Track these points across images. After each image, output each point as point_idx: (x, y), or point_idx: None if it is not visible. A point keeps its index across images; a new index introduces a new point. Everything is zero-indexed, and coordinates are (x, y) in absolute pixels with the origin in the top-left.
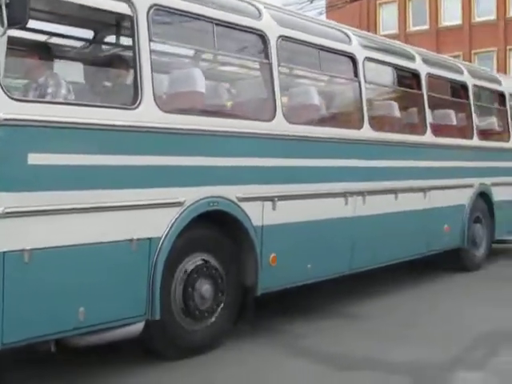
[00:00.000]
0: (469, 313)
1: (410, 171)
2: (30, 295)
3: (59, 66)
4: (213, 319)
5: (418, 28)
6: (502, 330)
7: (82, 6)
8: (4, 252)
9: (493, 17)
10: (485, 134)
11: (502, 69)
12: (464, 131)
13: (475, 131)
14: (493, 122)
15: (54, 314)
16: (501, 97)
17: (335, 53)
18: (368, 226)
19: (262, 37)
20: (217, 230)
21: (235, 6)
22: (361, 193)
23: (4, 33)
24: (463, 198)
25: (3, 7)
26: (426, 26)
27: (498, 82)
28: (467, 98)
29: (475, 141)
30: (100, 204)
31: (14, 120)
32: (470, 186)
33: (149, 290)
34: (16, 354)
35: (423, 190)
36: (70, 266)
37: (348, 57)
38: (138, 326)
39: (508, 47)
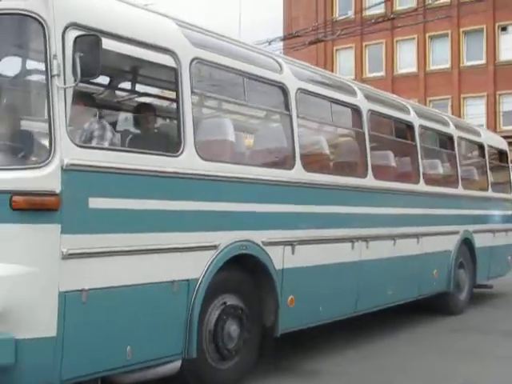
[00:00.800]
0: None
1: (406, 218)
2: (87, 334)
3: (109, 114)
4: (237, 359)
5: (374, 74)
6: None
7: (132, 59)
8: (65, 292)
9: (447, 65)
10: (467, 182)
11: (457, 116)
12: (451, 180)
13: (460, 180)
14: (473, 171)
15: (106, 351)
16: (480, 148)
17: (344, 105)
18: (371, 270)
19: (283, 89)
20: (242, 273)
21: (261, 61)
22: (365, 238)
23: (76, 84)
24: (450, 244)
25: (77, 61)
26: (382, 73)
27: (478, 134)
28: (453, 148)
29: (460, 189)
30: (149, 246)
31: (78, 165)
32: (456, 232)
33: (186, 329)
34: None
35: (416, 235)
36: (120, 306)
37: (354, 108)
38: (176, 365)
39: (462, 95)
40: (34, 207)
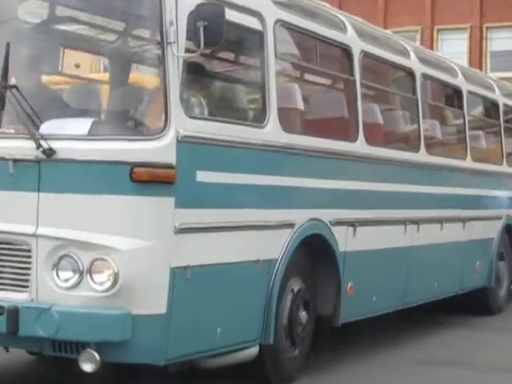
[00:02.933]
0: None
1: (453, 199)
2: (188, 313)
3: (211, 84)
4: (301, 347)
5: None
6: None
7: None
8: (175, 268)
9: None
10: (510, 158)
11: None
12: (495, 156)
13: (504, 156)
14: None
15: (201, 332)
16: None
17: (397, 67)
18: (420, 257)
19: (348, 51)
20: (307, 255)
21: (331, 20)
22: (416, 221)
23: (199, 53)
24: (493, 230)
25: (201, 30)
26: None
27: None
28: (498, 117)
29: (504, 167)
30: (244, 223)
31: (190, 137)
32: (499, 217)
33: (265, 313)
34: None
35: (463, 220)
36: (215, 285)
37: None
38: (254, 350)
39: (436, 26)
40: (153, 179)
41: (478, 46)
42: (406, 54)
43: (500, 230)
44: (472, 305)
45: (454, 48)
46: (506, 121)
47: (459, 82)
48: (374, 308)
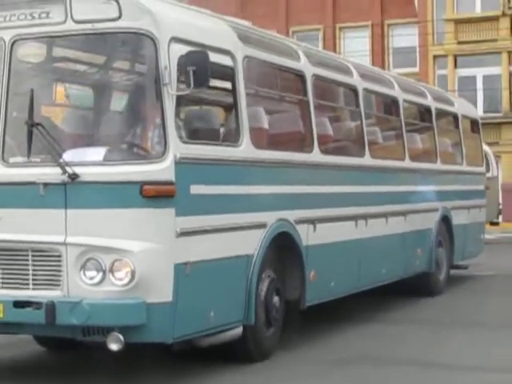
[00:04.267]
0: None
1: (395, 195)
2: (188, 300)
3: (199, 111)
4: (274, 328)
5: None
6: None
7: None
8: (178, 264)
9: None
10: (444, 157)
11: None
12: (430, 155)
13: (438, 155)
14: (449, 144)
15: (199, 315)
16: (454, 118)
17: (342, 85)
18: (369, 247)
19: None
20: (276, 250)
21: (287, 51)
22: (364, 217)
23: (190, 92)
24: (431, 221)
25: (191, 73)
26: None
27: (452, 104)
28: (431, 121)
29: (439, 164)
30: (228, 225)
31: (184, 159)
32: (436, 209)
33: (246, 299)
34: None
35: (404, 213)
36: (208, 277)
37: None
38: (239, 331)
39: (338, 25)
40: (158, 194)
41: (380, 43)
42: (349, 72)
43: (437, 221)
44: (415, 288)
45: (356, 46)
46: (437, 123)
47: (396, 92)
48: (334, 292)
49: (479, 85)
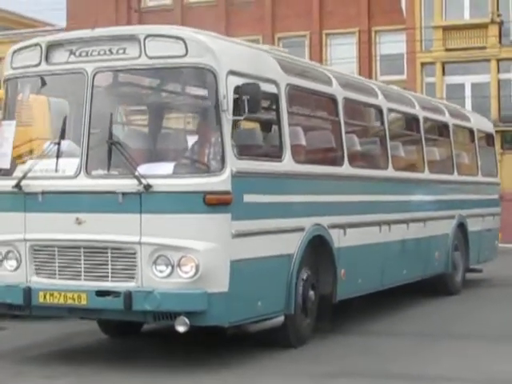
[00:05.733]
0: None
1: (416, 204)
2: (241, 291)
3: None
4: (310, 319)
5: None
6: None
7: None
8: (233, 260)
9: None
10: (460, 168)
11: (318, 61)
12: (448, 167)
13: (455, 166)
14: (465, 156)
15: (250, 304)
16: (471, 133)
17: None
18: (392, 250)
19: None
20: (312, 250)
21: (322, 78)
22: (388, 223)
23: (244, 118)
24: (448, 227)
25: (245, 102)
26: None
27: (468, 120)
28: (448, 136)
29: (455, 175)
30: (275, 229)
31: (238, 172)
32: (453, 217)
33: (287, 292)
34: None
35: (423, 220)
36: (258, 272)
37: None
38: (281, 319)
39: (324, 31)
40: (218, 202)
41: (367, 49)
42: (374, 94)
43: (454, 227)
44: (435, 288)
45: (343, 53)
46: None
47: (416, 111)
48: (361, 289)
49: (467, 92)
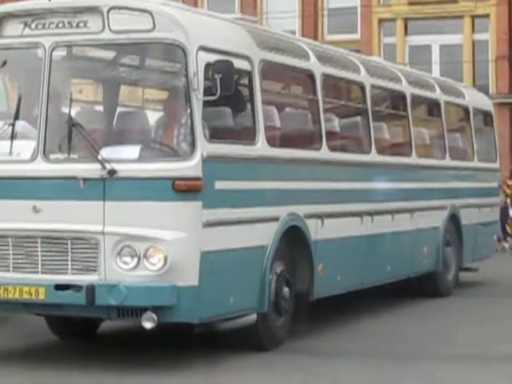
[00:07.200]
0: None
1: (401, 192)
2: (212, 285)
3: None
4: (284, 318)
5: None
6: None
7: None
8: (203, 252)
9: None
10: (453, 152)
11: (253, 15)
12: (438, 151)
13: (447, 150)
14: (459, 139)
15: (221, 300)
16: (465, 111)
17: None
18: (375, 243)
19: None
20: (286, 243)
21: (298, 52)
22: (370, 213)
23: (217, 98)
24: (439, 219)
25: (218, 81)
26: None
27: (463, 96)
28: (439, 115)
29: (447, 160)
30: (247, 218)
31: (209, 157)
32: (444, 207)
33: (260, 288)
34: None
35: (410, 211)
36: (230, 264)
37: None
38: (253, 317)
39: None
40: (188, 189)
41: (312, 2)
42: (356, 69)
43: (445, 219)
44: (423, 288)
45: (283, 6)
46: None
47: (403, 87)
48: (340, 286)
49: (435, 56)
